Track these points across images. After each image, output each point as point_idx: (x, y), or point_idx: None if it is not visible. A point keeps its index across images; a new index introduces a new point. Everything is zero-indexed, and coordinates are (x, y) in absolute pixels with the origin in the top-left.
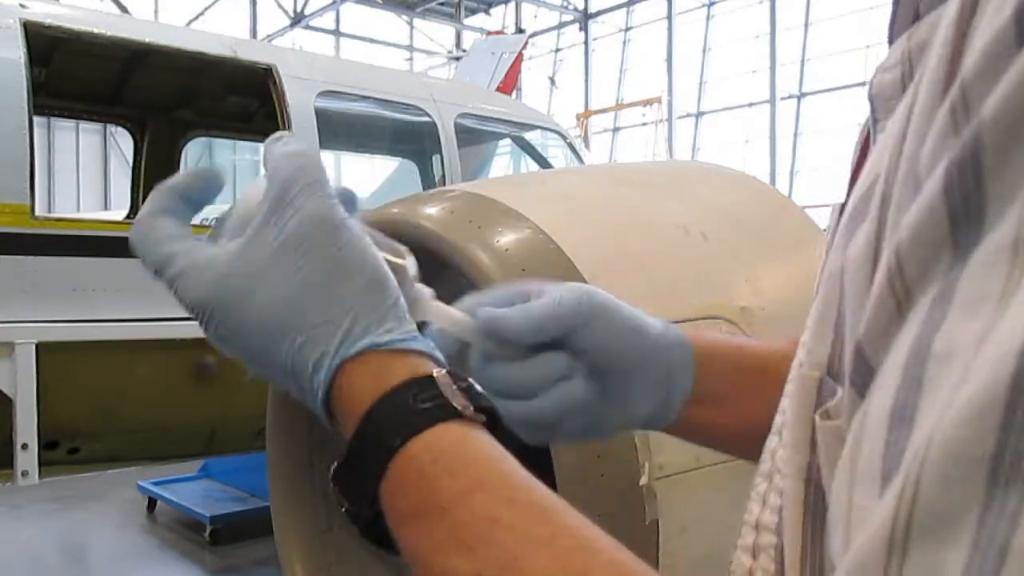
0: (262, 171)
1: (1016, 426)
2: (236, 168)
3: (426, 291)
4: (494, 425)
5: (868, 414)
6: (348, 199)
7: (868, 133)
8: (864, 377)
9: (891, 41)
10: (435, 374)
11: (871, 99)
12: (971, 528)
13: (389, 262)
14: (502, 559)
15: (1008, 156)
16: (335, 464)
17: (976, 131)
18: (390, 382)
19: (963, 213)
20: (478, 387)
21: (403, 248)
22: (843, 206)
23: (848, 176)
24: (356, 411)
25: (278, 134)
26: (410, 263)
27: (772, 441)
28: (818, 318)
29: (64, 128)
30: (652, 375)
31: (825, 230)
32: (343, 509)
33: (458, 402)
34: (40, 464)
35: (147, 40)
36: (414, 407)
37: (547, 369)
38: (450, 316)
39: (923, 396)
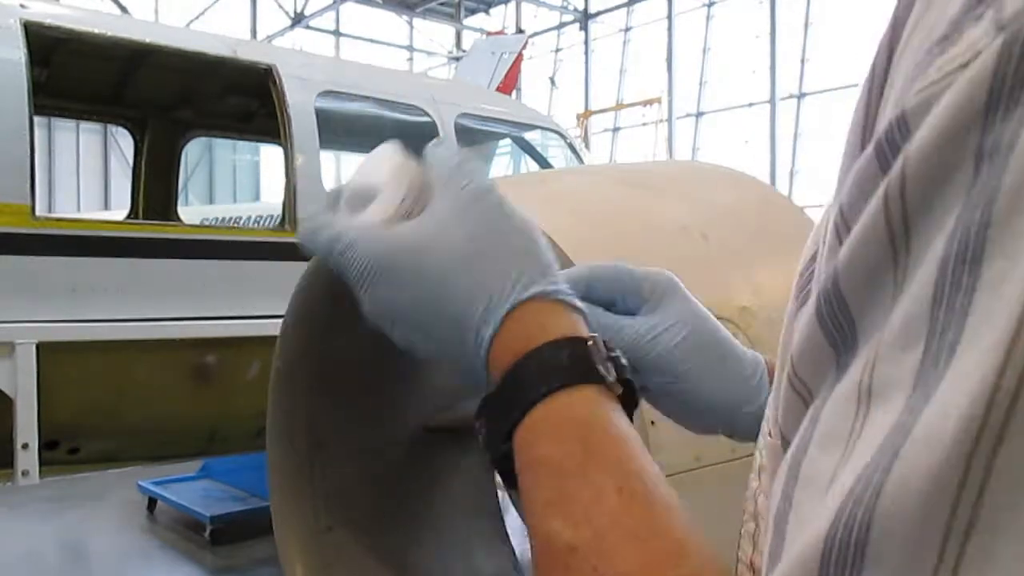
0: (382, 149)
1: None
2: (236, 168)
3: None
4: (629, 399)
5: (769, 503)
6: None
7: None
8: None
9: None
10: (591, 338)
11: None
12: None
13: None
14: (596, 546)
15: (863, 303)
16: (484, 395)
17: (835, 273)
18: (554, 333)
19: (840, 339)
20: (623, 359)
21: None
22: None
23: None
24: (518, 350)
25: (437, 140)
26: None
27: (753, 484)
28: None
29: (64, 128)
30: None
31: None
32: (479, 438)
33: (605, 368)
34: (40, 464)
35: (147, 40)
36: (566, 364)
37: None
38: None
39: (790, 517)
